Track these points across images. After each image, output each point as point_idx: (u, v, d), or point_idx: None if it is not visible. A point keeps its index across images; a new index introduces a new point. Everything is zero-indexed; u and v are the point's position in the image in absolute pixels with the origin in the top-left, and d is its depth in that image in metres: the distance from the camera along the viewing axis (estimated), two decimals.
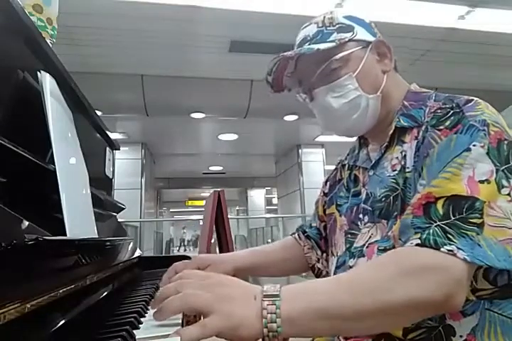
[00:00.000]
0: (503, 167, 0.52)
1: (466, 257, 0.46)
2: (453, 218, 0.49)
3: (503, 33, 3.57)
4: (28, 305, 0.36)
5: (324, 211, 0.85)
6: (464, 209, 0.49)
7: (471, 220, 0.49)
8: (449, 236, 0.48)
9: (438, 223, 0.50)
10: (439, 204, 0.51)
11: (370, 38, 0.70)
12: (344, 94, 0.68)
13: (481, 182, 0.51)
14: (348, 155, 0.85)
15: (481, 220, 0.49)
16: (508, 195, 0.51)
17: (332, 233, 0.79)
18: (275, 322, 0.42)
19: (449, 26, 3.44)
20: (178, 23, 3.22)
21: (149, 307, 0.66)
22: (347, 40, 0.68)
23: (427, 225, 0.50)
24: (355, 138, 0.84)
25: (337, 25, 0.70)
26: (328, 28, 0.70)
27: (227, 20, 3.22)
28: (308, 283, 0.49)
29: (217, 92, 4.51)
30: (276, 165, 8.80)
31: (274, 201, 12.34)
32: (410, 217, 0.53)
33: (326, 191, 0.86)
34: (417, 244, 0.48)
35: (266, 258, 0.85)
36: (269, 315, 0.42)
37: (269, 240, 8.41)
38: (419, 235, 0.49)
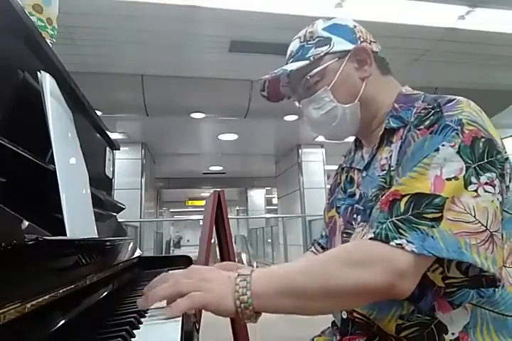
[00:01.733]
0: (476, 164, 0.54)
1: (414, 249, 0.50)
2: (408, 214, 0.53)
3: (503, 33, 3.57)
4: (28, 305, 0.36)
5: (327, 215, 0.86)
6: (423, 206, 0.52)
7: (425, 215, 0.52)
8: (401, 230, 0.52)
9: (392, 219, 0.53)
10: (403, 202, 0.54)
11: (349, 47, 0.71)
12: (322, 106, 0.74)
13: (449, 179, 0.53)
14: (345, 157, 0.88)
15: (438, 215, 0.51)
16: (475, 191, 0.53)
17: (332, 235, 0.80)
18: (245, 294, 0.51)
19: (449, 26, 3.44)
20: (178, 23, 3.22)
21: (149, 307, 0.66)
22: (322, 54, 0.71)
23: (385, 220, 0.54)
24: (353, 138, 0.85)
25: (316, 39, 0.73)
26: (308, 43, 0.73)
27: (227, 20, 3.22)
28: (277, 266, 0.57)
29: (217, 92, 4.51)
30: (276, 165, 8.79)
31: (274, 201, 12.34)
32: (378, 211, 0.56)
33: (329, 197, 0.88)
34: (370, 238, 0.53)
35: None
36: (240, 289, 0.51)
37: (269, 240, 8.41)
38: (374, 229, 0.54)
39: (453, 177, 0.53)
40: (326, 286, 0.51)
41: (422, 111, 0.63)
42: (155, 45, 3.57)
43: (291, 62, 0.75)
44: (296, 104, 0.81)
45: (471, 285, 0.56)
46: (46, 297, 0.40)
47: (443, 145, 0.55)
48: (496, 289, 0.57)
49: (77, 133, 0.75)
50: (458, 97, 0.62)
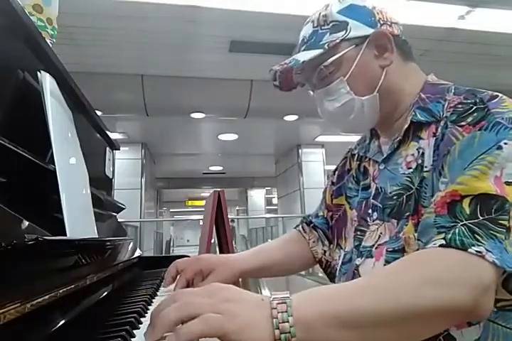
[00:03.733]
0: None
1: (495, 260, 0.42)
2: (481, 218, 0.45)
3: (503, 33, 3.57)
4: (28, 305, 0.36)
5: (332, 200, 0.83)
6: (493, 210, 0.45)
7: (500, 221, 0.45)
8: (477, 236, 0.44)
9: (465, 222, 0.46)
10: (465, 203, 0.47)
11: (367, 32, 0.65)
12: (337, 98, 0.67)
13: (508, 183, 0.47)
14: (358, 144, 0.81)
15: (509, 223, 0.45)
16: None
17: (342, 225, 0.76)
18: (287, 321, 0.37)
19: (449, 26, 3.44)
20: (178, 23, 3.22)
21: (149, 307, 0.66)
22: (338, 41, 0.64)
23: (452, 224, 0.46)
24: (355, 137, 0.82)
25: (331, 24, 0.66)
26: (322, 28, 0.66)
27: (227, 20, 3.22)
28: (322, 288, 0.44)
29: (217, 92, 4.51)
30: (276, 165, 8.79)
31: (274, 201, 12.34)
32: (433, 216, 0.49)
33: (334, 180, 0.84)
34: (441, 245, 0.45)
35: (271, 259, 0.81)
36: (279, 314, 0.38)
37: (269, 240, 8.41)
38: (443, 235, 0.46)
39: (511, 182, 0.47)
40: (407, 310, 0.40)
41: (459, 105, 0.57)
42: (155, 45, 3.57)
43: (304, 49, 0.68)
44: (310, 92, 0.74)
45: None
46: (46, 297, 0.40)
47: (505, 143, 0.49)
48: None
49: (77, 133, 0.75)
50: (500, 94, 0.57)
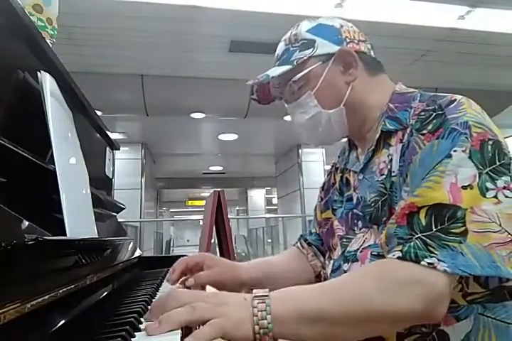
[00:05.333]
0: (488, 169, 0.51)
1: (446, 268, 0.46)
2: (434, 229, 0.49)
3: (503, 33, 3.57)
4: (28, 305, 0.36)
5: (321, 216, 0.85)
6: (446, 219, 0.49)
7: (452, 230, 0.49)
8: (430, 248, 0.48)
9: (419, 235, 0.50)
10: (422, 214, 0.51)
11: (333, 49, 0.69)
12: (306, 111, 0.72)
13: (464, 188, 0.50)
14: (339, 157, 0.85)
15: (463, 228, 0.48)
16: (495, 197, 0.50)
17: (330, 237, 0.79)
18: (265, 319, 0.44)
19: (449, 26, 3.44)
20: (178, 23, 3.22)
21: (149, 308, 0.65)
22: (306, 58, 0.69)
23: (409, 236, 0.51)
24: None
25: (300, 42, 0.70)
26: (293, 46, 0.71)
27: (227, 20, 3.22)
28: (296, 287, 0.51)
29: (217, 92, 4.51)
30: (276, 165, 8.79)
31: (274, 201, 12.34)
32: (394, 226, 0.53)
33: (323, 196, 0.87)
34: (398, 257, 0.49)
35: (273, 270, 0.83)
36: (259, 312, 0.45)
37: (269, 240, 8.41)
38: (400, 247, 0.50)
39: (468, 186, 0.50)
40: (364, 313, 0.47)
41: (422, 113, 0.60)
42: (155, 45, 3.57)
43: (277, 65, 0.73)
44: (286, 106, 0.79)
45: (495, 299, 0.54)
46: (46, 297, 0.40)
47: (455, 150, 0.52)
48: None
49: (77, 133, 0.75)
50: (457, 97, 0.59)
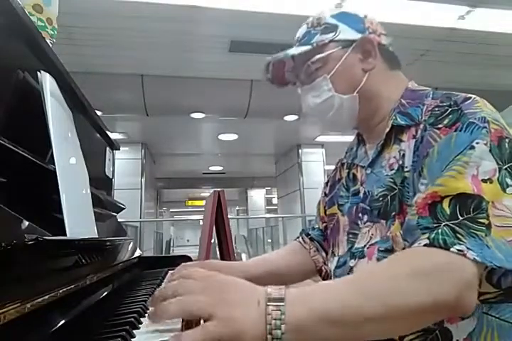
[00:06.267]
0: (506, 165, 0.51)
1: (476, 257, 0.44)
2: (461, 218, 0.48)
3: (503, 33, 3.57)
4: (28, 305, 0.36)
5: (325, 212, 0.85)
6: (472, 209, 0.48)
7: (479, 220, 0.47)
8: (459, 235, 0.46)
9: (446, 222, 0.48)
10: (445, 204, 0.50)
11: (355, 36, 0.70)
12: (319, 95, 0.72)
13: (484, 181, 0.50)
14: (346, 153, 0.85)
15: (488, 221, 0.47)
16: None
17: (336, 233, 0.78)
18: (279, 328, 0.39)
19: (449, 26, 3.44)
20: (178, 23, 3.22)
21: (149, 308, 0.66)
22: (327, 41, 0.69)
23: (435, 225, 0.49)
24: (353, 138, 0.84)
25: (323, 26, 0.71)
26: (315, 29, 0.72)
27: (227, 20, 3.22)
28: (314, 285, 0.45)
29: (217, 92, 4.51)
30: (276, 165, 8.79)
31: (274, 201, 12.34)
32: (416, 217, 0.52)
33: (327, 191, 0.86)
34: (426, 244, 0.47)
35: (275, 266, 0.83)
36: (273, 321, 0.39)
37: (269, 240, 8.41)
38: (427, 235, 0.48)
39: (487, 180, 0.50)
40: (393, 305, 0.42)
41: (436, 109, 0.60)
42: (155, 45, 3.57)
43: (296, 46, 0.73)
44: (298, 90, 0.79)
45: (507, 298, 0.53)
46: (46, 297, 0.40)
47: (477, 142, 0.52)
48: None
49: (77, 133, 0.75)
50: (472, 95, 0.59)
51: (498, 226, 0.47)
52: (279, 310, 0.40)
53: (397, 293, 0.43)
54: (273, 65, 0.76)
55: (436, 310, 0.44)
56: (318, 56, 0.70)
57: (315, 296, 0.43)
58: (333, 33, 0.70)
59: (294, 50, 0.71)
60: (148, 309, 0.64)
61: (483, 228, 0.47)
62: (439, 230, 0.48)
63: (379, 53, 0.70)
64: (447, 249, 0.45)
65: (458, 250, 0.45)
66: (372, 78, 0.70)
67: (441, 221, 0.49)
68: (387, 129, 0.67)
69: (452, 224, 0.48)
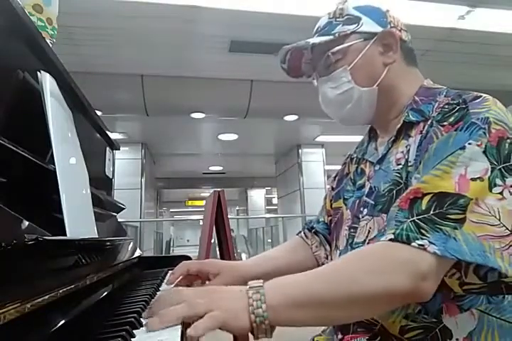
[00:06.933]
0: (501, 165, 0.52)
1: (436, 251, 0.47)
2: (431, 213, 0.50)
3: (503, 33, 3.56)
4: (28, 305, 0.36)
5: (331, 205, 0.84)
6: (446, 205, 0.50)
7: (448, 216, 0.49)
8: (422, 231, 0.49)
9: (414, 218, 0.51)
10: (425, 200, 0.51)
11: (377, 29, 0.70)
12: (338, 86, 0.72)
13: (474, 179, 0.51)
14: (357, 148, 0.85)
15: (461, 216, 0.49)
16: (500, 193, 0.51)
17: (339, 227, 0.78)
18: (261, 307, 0.47)
19: (449, 26, 3.44)
20: (178, 23, 3.22)
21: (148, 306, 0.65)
22: (349, 32, 0.69)
23: (405, 220, 0.51)
24: (355, 137, 0.84)
25: (345, 17, 0.71)
26: (337, 20, 0.71)
27: (227, 20, 3.21)
28: (290, 275, 0.53)
29: (217, 92, 4.51)
30: (276, 165, 8.79)
31: (274, 201, 12.34)
32: (396, 209, 0.54)
33: (334, 186, 0.86)
34: (390, 239, 0.50)
35: (276, 265, 0.83)
36: (254, 302, 0.47)
37: (269, 240, 8.41)
38: (393, 230, 0.51)
39: (478, 178, 0.51)
40: (350, 294, 0.48)
41: (446, 106, 0.60)
42: (155, 45, 3.57)
43: (317, 36, 0.73)
44: (314, 82, 0.78)
45: (490, 291, 0.54)
46: (46, 297, 0.40)
47: (469, 143, 0.53)
48: (505, 296, 0.56)
49: (77, 133, 0.75)
50: (484, 94, 0.60)
51: (474, 221, 0.49)
52: (258, 292, 0.48)
53: (355, 284, 0.48)
54: (291, 54, 0.75)
55: (390, 298, 0.49)
56: (338, 47, 0.70)
57: (288, 284, 0.51)
58: (356, 25, 0.69)
59: (315, 40, 0.70)
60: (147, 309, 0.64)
61: (451, 223, 0.49)
62: (405, 225, 0.50)
63: (399, 48, 0.70)
64: (408, 243, 0.49)
65: (419, 244, 0.48)
66: (391, 72, 0.70)
67: (413, 216, 0.51)
68: (399, 125, 0.68)
69: (418, 219, 0.50)
